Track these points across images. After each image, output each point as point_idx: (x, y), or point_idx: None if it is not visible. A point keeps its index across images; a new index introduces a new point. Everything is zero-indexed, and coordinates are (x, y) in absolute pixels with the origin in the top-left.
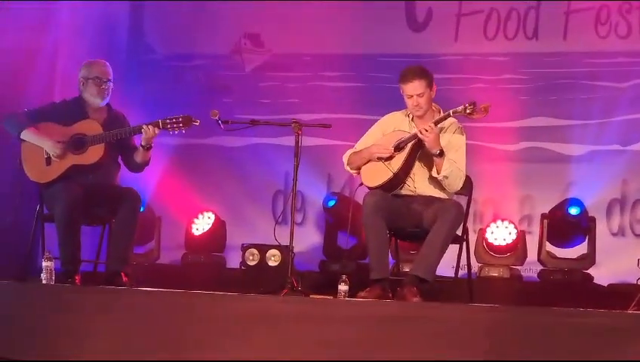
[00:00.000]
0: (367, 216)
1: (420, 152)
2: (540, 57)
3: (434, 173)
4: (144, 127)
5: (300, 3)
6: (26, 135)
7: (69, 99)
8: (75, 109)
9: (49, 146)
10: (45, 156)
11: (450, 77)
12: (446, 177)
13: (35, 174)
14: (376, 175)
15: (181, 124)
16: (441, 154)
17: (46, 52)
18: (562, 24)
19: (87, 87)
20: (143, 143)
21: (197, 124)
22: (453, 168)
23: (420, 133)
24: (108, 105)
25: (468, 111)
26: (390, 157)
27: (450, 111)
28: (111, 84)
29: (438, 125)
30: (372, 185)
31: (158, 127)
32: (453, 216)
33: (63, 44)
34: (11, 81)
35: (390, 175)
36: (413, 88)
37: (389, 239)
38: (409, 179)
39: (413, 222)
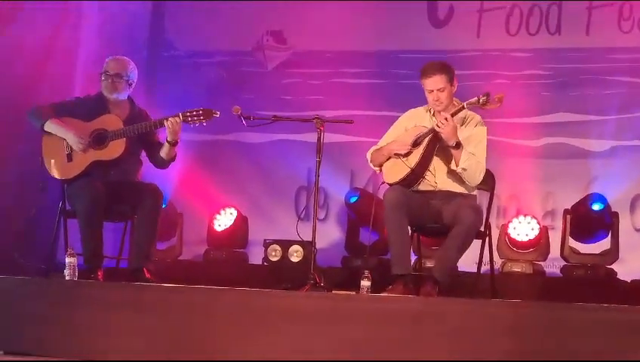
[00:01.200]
0: (387, 211)
1: (439, 147)
2: (563, 53)
3: (452, 166)
4: (168, 119)
5: (322, 0)
6: (50, 126)
7: (92, 94)
8: (97, 105)
9: (73, 140)
10: (66, 152)
11: (472, 73)
12: (464, 170)
13: (57, 171)
14: (395, 171)
15: (202, 117)
16: (458, 146)
17: (67, 50)
18: (585, 19)
19: (102, 81)
20: (169, 139)
21: (217, 115)
22: (472, 161)
23: (437, 125)
24: (131, 101)
25: (481, 102)
26: (408, 153)
27: (465, 104)
28: (124, 79)
29: (456, 117)
30: (391, 181)
31: (179, 118)
32: (471, 220)
33: (84, 42)
34: (32, 79)
35: (407, 170)
36: (434, 83)
37: (410, 235)
38: (429, 174)
39: (433, 217)
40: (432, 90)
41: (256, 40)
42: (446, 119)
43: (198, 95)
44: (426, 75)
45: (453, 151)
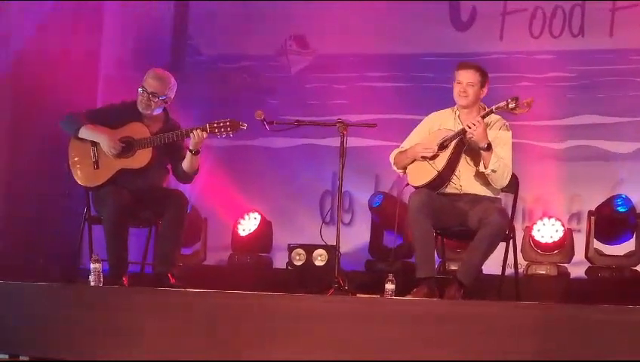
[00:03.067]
0: (412, 214)
1: (465, 149)
2: (587, 55)
3: (481, 168)
4: (193, 131)
5: (345, 4)
6: (84, 132)
7: (129, 101)
8: (132, 113)
9: (106, 144)
10: (93, 160)
11: (496, 75)
12: (494, 171)
13: (84, 179)
14: (421, 174)
15: (229, 128)
16: (489, 147)
17: (88, 52)
18: (608, 21)
19: (138, 93)
20: (191, 147)
21: (244, 127)
22: (501, 163)
23: (468, 127)
24: (166, 114)
25: (510, 106)
26: (434, 156)
27: (493, 107)
28: (160, 98)
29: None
30: (417, 184)
31: (206, 131)
32: (498, 223)
33: (106, 45)
34: (55, 83)
35: (434, 174)
36: (466, 76)
37: (435, 238)
38: (454, 177)
39: (458, 220)
40: (462, 82)
41: (280, 44)
42: (478, 121)
43: (223, 100)
44: (462, 67)
45: (483, 153)
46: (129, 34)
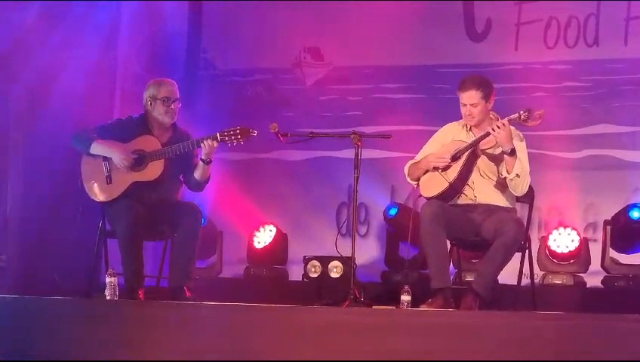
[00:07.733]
0: (424, 225)
1: (480, 159)
2: (602, 64)
3: (504, 174)
4: (204, 141)
5: (360, 16)
6: (96, 148)
7: (135, 116)
8: (140, 126)
9: (118, 158)
10: (105, 174)
11: (511, 86)
12: (518, 176)
13: (97, 194)
14: (433, 185)
15: (239, 136)
16: (513, 152)
17: (106, 69)
18: (623, 30)
19: (156, 106)
20: (203, 157)
21: (255, 134)
22: (523, 168)
23: (492, 130)
24: (174, 124)
25: (523, 118)
26: (446, 167)
27: (506, 119)
28: (179, 103)
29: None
30: (429, 195)
31: (217, 140)
32: (514, 233)
33: (123, 61)
34: (73, 98)
35: (446, 185)
36: (468, 98)
37: (450, 248)
38: (468, 188)
39: (472, 231)
40: (466, 105)
41: (294, 57)
42: (503, 124)
43: (237, 114)
44: (462, 88)
45: (506, 158)
46: (144, 48)
